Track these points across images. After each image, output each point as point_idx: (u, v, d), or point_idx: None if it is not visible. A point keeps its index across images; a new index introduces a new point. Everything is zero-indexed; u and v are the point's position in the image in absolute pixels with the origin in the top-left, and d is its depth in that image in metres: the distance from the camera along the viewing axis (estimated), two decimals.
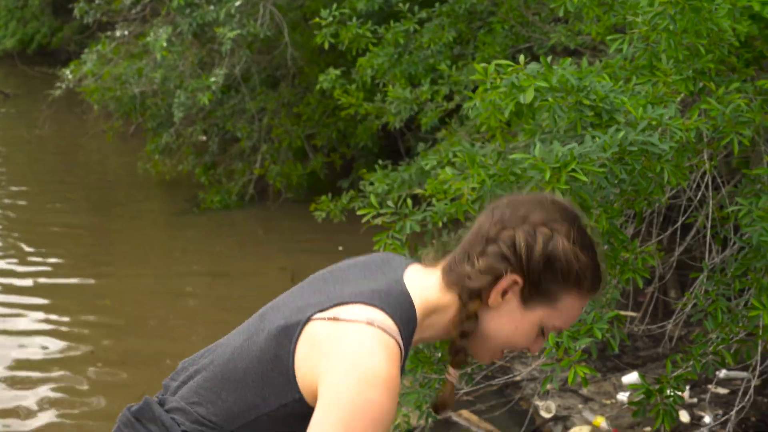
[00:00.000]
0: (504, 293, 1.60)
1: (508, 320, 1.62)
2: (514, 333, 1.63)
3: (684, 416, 4.72)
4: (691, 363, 3.10)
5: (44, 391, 5.32)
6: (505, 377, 4.73)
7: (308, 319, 1.57)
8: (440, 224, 3.08)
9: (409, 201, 3.15)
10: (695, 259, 5.56)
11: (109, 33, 9.12)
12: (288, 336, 1.58)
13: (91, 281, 7.24)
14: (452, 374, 1.73)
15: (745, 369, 4.91)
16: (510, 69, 2.74)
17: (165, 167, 9.41)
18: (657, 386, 3.01)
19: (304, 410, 1.57)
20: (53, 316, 6.49)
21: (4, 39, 17.95)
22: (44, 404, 5.21)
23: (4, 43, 17.94)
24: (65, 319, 6.48)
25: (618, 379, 5.10)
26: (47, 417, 5.09)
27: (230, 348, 1.68)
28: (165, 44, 7.18)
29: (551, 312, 1.61)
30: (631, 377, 5.04)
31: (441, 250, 1.73)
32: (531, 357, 5.26)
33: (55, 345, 6.00)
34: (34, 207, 9.25)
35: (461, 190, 2.73)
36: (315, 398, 1.54)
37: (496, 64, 2.78)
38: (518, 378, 5.08)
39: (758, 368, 3.43)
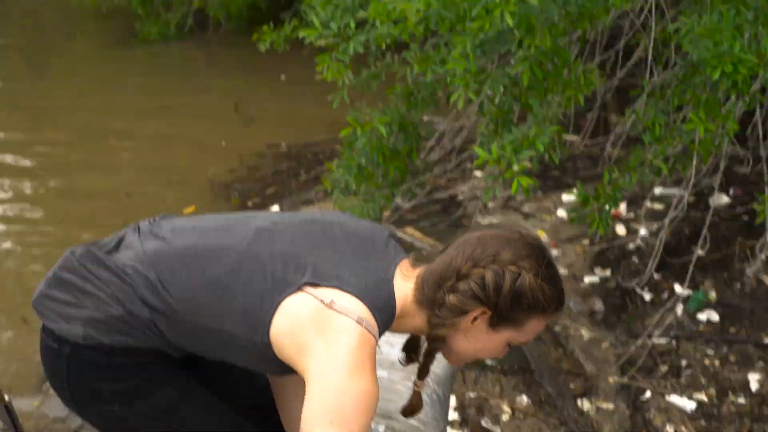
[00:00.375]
0: (473, 320, 1.74)
1: (475, 340, 1.77)
2: (482, 350, 1.80)
3: (621, 230, 4.98)
4: (628, 174, 3.26)
5: None
6: (447, 192, 4.88)
7: (300, 288, 1.69)
8: (383, 46, 3.12)
9: (352, 23, 3.17)
10: (637, 85, 5.70)
11: None
12: (278, 290, 1.69)
13: (28, 120, 7.15)
14: (419, 385, 1.90)
15: (679, 184, 5.15)
16: None
17: None
18: (594, 195, 3.18)
19: (266, 354, 1.71)
20: None
21: None
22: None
23: None
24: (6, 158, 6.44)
25: (558, 197, 5.31)
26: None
27: (216, 246, 1.77)
28: None
29: (517, 333, 1.77)
30: (571, 195, 5.27)
31: (420, 258, 1.84)
32: (472, 176, 5.44)
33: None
34: None
35: (406, 13, 2.77)
36: (283, 356, 1.68)
37: None
38: (461, 197, 5.25)
39: (691, 182, 3.61)
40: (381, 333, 1.72)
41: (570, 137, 5.66)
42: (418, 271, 1.79)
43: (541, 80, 3.01)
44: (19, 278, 4.78)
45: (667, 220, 3.82)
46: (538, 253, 1.74)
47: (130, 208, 5.43)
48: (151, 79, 7.95)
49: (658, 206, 5.19)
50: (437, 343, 1.80)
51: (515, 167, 2.83)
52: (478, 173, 5.49)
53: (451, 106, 4.45)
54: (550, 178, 5.59)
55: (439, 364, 2.63)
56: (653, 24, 3.51)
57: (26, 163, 6.27)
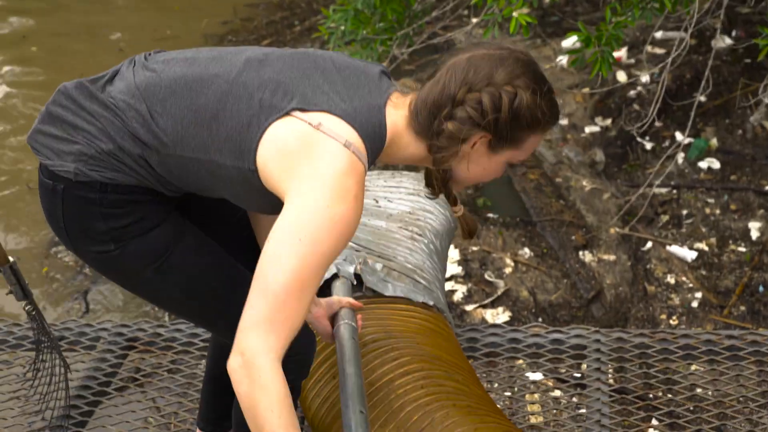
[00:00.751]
0: (473, 145, 1.68)
1: (476, 165, 1.72)
2: (483, 174, 1.75)
3: (621, 76, 4.83)
4: (630, 11, 3.10)
5: None
6: (444, 39, 4.71)
7: (287, 113, 1.62)
8: None
9: None
10: None
11: None
12: (265, 115, 1.63)
13: None
14: (457, 210, 1.88)
15: (680, 28, 4.97)
16: None
17: None
18: (596, 35, 3.03)
19: (253, 184, 1.65)
20: None
21: None
22: None
23: None
24: None
25: (557, 44, 5.14)
26: None
27: (206, 77, 1.69)
28: None
29: (517, 152, 1.71)
30: (571, 41, 5.09)
31: (410, 86, 1.75)
32: (471, 22, 5.26)
33: None
34: None
35: None
36: (269, 184, 1.63)
37: None
38: (459, 45, 5.09)
39: (694, 20, 3.45)
40: (371, 161, 1.67)
41: None
42: (410, 98, 1.72)
43: None
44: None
45: (669, 60, 3.67)
46: (530, 69, 1.67)
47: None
48: None
49: (659, 50, 5.02)
50: (447, 172, 1.77)
51: (514, 3, 2.68)
52: (474, 19, 5.30)
53: None
54: (549, 25, 5.40)
55: (437, 219, 2.61)
56: None
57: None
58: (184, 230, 1.81)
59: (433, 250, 2.60)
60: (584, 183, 4.14)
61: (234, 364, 1.55)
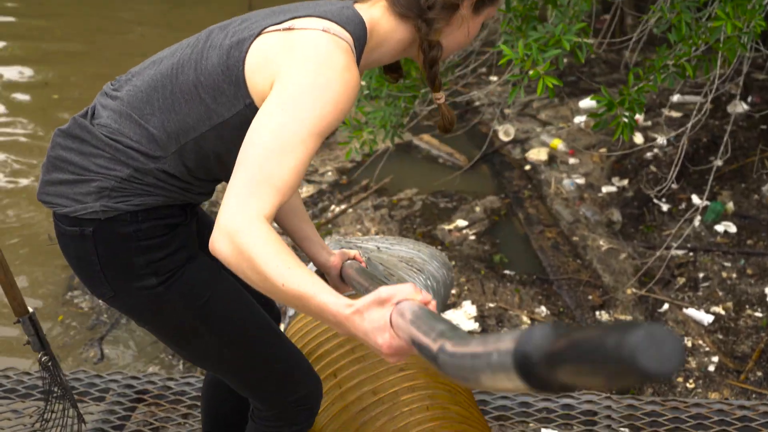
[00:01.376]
0: (464, 9, 1.67)
1: (461, 31, 1.70)
2: (466, 38, 1.73)
3: (638, 138, 4.86)
4: (652, 76, 3.13)
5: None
6: (463, 97, 4.76)
7: (260, 32, 1.58)
8: None
9: None
10: None
11: None
12: (239, 48, 1.58)
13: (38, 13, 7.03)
14: (439, 96, 1.80)
15: (699, 93, 5.01)
16: None
17: None
18: (618, 99, 3.06)
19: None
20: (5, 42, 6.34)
21: None
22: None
23: None
24: (15, 45, 6.32)
25: (575, 104, 5.18)
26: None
27: (177, 60, 1.67)
28: None
29: (492, 8, 1.72)
30: (588, 101, 5.14)
31: None
32: (490, 83, 5.30)
33: (10, 73, 5.89)
34: None
35: None
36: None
37: None
38: (477, 104, 5.13)
39: (714, 86, 3.48)
40: (357, 46, 1.61)
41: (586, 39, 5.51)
42: None
43: None
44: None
45: (689, 126, 3.70)
46: None
47: None
48: None
49: (675, 114, 5.06)
50: (436, 49, 1.70)
51: (540, 67, 2.71)
52: (493, 78, 5.35)
53: None
54: (566, 84, 5.45)
55: (437, 270, 2.60)
56: None
57: (31, 69, 6.13)
58: (221, 268, 1.73)
59: (430, 286, 2.60)
60: (601, 243, 4.15)
61: (217, 241, 1.37)
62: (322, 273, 2.14)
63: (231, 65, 1.58)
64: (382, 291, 1.24)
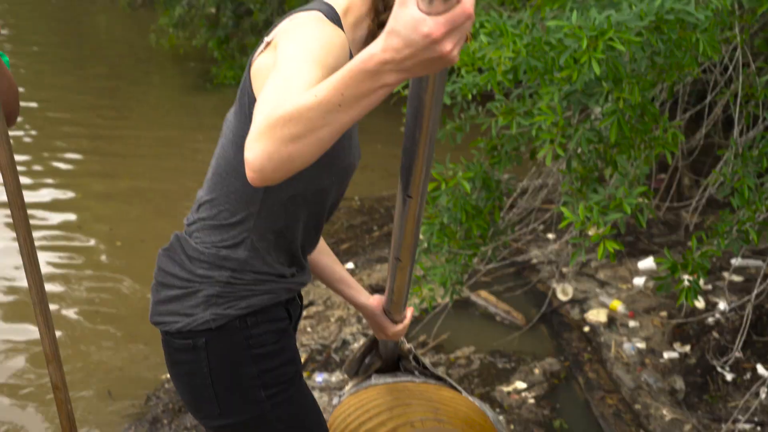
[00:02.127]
0: None
1: None
2: None
3: (700, 303, 4.76)
4: (715, 241, 3.09)
5: (57, 258, 5.35)
6: (521, 257, 4.74)
7: (250, 63, 1.62)
8: (469, 96, 3.03)
9: None
10: (712, 146, 5.53)
11: None
12: (243, 89, 1.64)
13: (103, 158, 7.22)
14: None
15: (761, 255, 4.93)
16: None
17: (178, 40, 9.31)
18: (681, 262, 3.01)
19: None
20: (63, 191, 6.49)
21: None
22: (60, 274, 5.25)
23: None
24: (77, 195, 6.47)
25: (634, 265, 5.12)
26: (59, 287, 5.13)
27: (216, 154, 1.75)
28: None
29: None
30: (647, 262, 5.07)
31: None
32: (547, 239, 5.28)
33: (70, 219, 6.01)
34: (42, 83, 9.14)
35: (498, 60, 2.68)
36: None
37: None
38: (535, 261, 5.10)
39: None
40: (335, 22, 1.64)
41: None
42: None
43: (629, 136, 2.87)
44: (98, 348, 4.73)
45: (753, 295, 3.62)
46: None
47: None
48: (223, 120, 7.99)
49: (736, 278, 4.97)
50: (387, 13, 1.69)
51: (602, 230, 2.69)
52: (550, 236, 5.33)
53: (531, 164, 4.33)
54: (624, 244, 5.40)
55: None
56: (740, 78, 3.36)
57: (92, 214, 6.26)
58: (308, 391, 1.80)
59: None
60: (664, 412, 4.00)
61: (250, 149, 1.23)
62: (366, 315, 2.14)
63: (244, 104, 1.63)
64: None
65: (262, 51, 1.61)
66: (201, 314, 1.69)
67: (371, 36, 1.69)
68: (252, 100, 1.62)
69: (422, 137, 1.35)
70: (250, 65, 1.63)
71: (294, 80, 1.33)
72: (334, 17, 1.64)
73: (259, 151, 1.21)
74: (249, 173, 1.24)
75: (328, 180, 1.72)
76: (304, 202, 1.73)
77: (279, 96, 1.28)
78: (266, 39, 1.62)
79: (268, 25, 8.80)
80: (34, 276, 2.18)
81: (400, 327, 2.12)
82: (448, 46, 1.07)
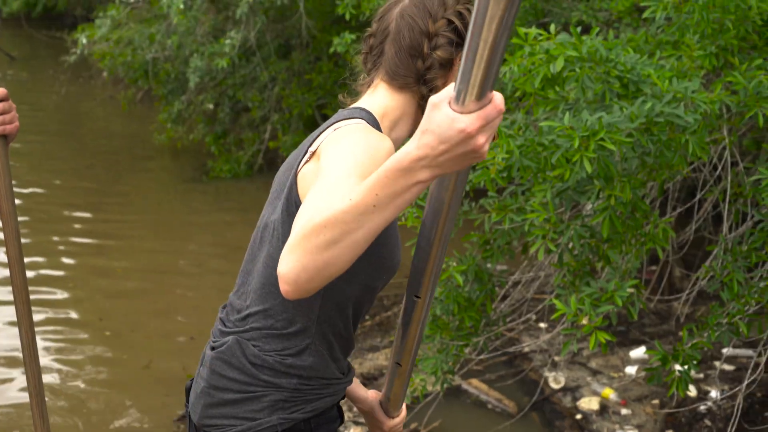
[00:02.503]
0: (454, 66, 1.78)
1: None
2: None
3: (692, 391, 4.79)
4: (706, 333, 3.15)
5: (47, 361, 5.36)
6: (514, 348, 4.78)
7: (296, 174, 1.68)
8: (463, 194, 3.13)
9: None
10: (702, 239, 5.63)
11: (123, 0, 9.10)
12: (288, 198, 1.68)
13: (99, 248, 7.26)
14: None
15: (751, 346, 4.98)
16: (541, 38, 2.78)
17: (176, 134, 9.44)
18: (672, 353, 3.07)
19: None
20: (60, 284, 6.51)
21: (11, 1, 17.83)
22: (51, 369, 5.26)
23: (10, 5, 17.84)
24: (70, 285, 6.50)
25: (625, 354, 5.16)
26: (53, 379, 5.14)
27: (264, 263, 1.75)
28: (182, 6, 7.16)
29: None
30: (639, 352, 5.11)
31: (351, 91, 1.88)
32: (539, 328, 5.33)
33: (63, 312, 6.03)
34: (42, 179, 9.24)
35: (493, 160, 2.77)
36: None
37: (526, 32, 2.83)
38: (527, 350, 5.13)
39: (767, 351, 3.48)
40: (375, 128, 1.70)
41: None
42: (366, 85, 1.83)
43: (621, 232, 2.95)
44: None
45: (744, 384, 3.67)
46: None
47: (194, 353, 5.39)
48: (220, 217, 8.06)
49: (727, 367, 5.00)
50: None
51: (594, 321, 2.75)
52: (542, 325, 5.38)
53: (523, 258, 4.40)
54: (616, 334, 5.44)
55: None
56: (729, 175, 3.46)
57: (85, 305, 6.28)
58: None
59: None
60: None
61: (283, 264, 1.28)
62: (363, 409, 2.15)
63: (291, 211, 1.66)
64: (432, 99, 1.17)
65: (307, 161, 1.65)
66: (267, 418, 1.71)
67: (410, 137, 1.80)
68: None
69: (437, 238, 1.42)
70: (295, 174, 1.67)
71: (335, 192, 1.36)
72: (374, 123, 1.72)
73: (293, 262, 1.25)
74: (283, 286, 1.27)
75: (381, 280, 1.76)
76: (358, 302, 1.77)
77: (317, 206, 1.33)
78: (310, 149, 1.66)
79: (265, 122, 8.94)
80: (33, 370, 2.21)
81: (397, 420, 2.16)
82: (481, 140, 1.15)
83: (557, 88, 2.93)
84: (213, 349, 1.80)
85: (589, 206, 3.37)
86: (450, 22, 1.74)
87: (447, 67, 1.75)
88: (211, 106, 9.31)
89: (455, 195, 1.35)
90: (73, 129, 11.46)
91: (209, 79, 8.59)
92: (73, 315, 5.98)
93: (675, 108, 2.76)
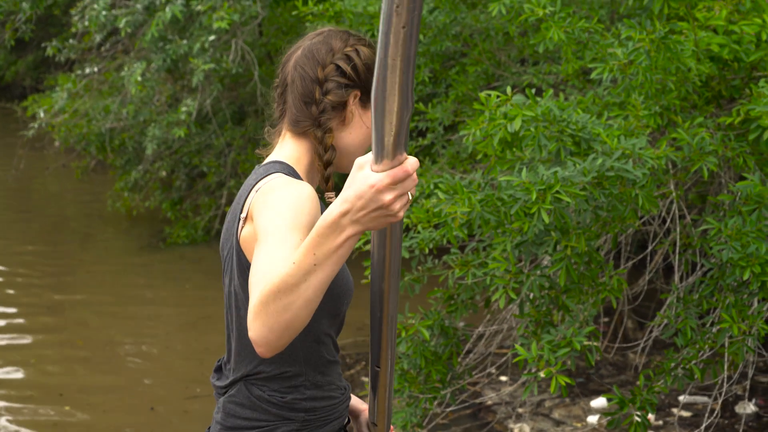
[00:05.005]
0: (352, 106, 1.89)
1: (358, 128, 1.91)
2: (366, 134, 1.92)
3: None
4: (662, 379, 3.29)
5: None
6: (480, 399, 4.88)
7: (237, 240, 1.80)
8: (426, 250, 3.26)
9: None
10: (654, 291, 5.81)
11: (79, 72, 9.18)
12: (240, 266, 1.80)
13: (54, 318, 7.22)
14: (330, 195, 1.96)
15: (706, 391, 5.13)
16: (499, 100, 2.95)
17: (133, 202, 9.47)
18: (630, 398, 3.20)
19: None
20: (13, 353, 6.46)
21: None
22: None
23: None
24: (26, 355, 6.45)
25: (587, 404, 5.28)
26: None
27: (238, 331, 1.88)
28: (139, 78, 7.28)
29: None
30: (600, 401, 5.24)
31: (264, 142, 2.01)
32: (502, 381, 5.44)
33: (19, 383, 5.99)
34: None
35: (453, 214, 2.91)
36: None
37: (487, 95, 3.00)
38: (490, 402, 5.24)
39: (724, 389, 3.63)
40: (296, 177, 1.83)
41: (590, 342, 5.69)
42: (275, 135, 1.95)
43: (577, 282, 3.10)
44: None
45: (702, 429, 3.81)
46: (350, 33, 1.93)
47: (155, 423, 5.39)
48: (178, 283, 8.08)
49: (684, 413, 5.14)
50: (330, 152, 1.89)
51: (553, 367, 2.89)
52: (503, 378, 5.49)
53: (486, 312, 4.53)
54: (577, 385, 5.57)
55: None
56: (677, 227, 3.63)
57: (46, 380, 6.23)
58: None
59: None
60: None
61: (253, 331, 1.46)
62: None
63: (246, 275, 1.77)
64: (357, 160, 1.35)
65: (242, 226, 1.79)
66: None
67: (324, 179, 1.94)
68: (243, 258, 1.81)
69: (385, 317, 1.59)
70: (237, 241, 1.81)
71: (276, 254, 1.54)
72: (292, 172, 1.85)
73: (259, 328, 1.44)
74: (258, 349, 1.46)
75: (344, 304, 1.91)
76: (332, 329, 1.91)
77: (266, 273, 1.50)
78: (242, 215, 1.80)
79: (221, 187, 9.02)
80: None
81: None
82: (389, 196, 1.32)
83: (515, 150, 3.10)
84: (223, 395, 1.92)
85: (547, 259, 3.52)
86: (338, 66, 1.87)
87: (339, 108, 1.88)
88: (164, 173, 9.37)
89: (392, 281, 1.53)
90: (25, 199, 11.43)
91: (165, 147, 8.69)
92: (29, 392, 5.92)
93: (624, 164, 2.94)
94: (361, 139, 1.92)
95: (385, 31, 1.21)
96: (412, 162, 1.33)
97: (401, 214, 1.36)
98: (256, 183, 1.80)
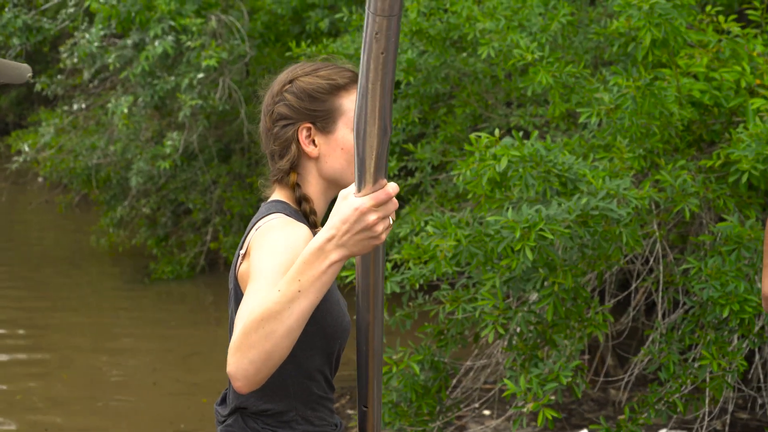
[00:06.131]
0: (312, 143, 1.88)
1: (332, 152, 1.89)
2: (345, 154, 1.89)
3: None
4: (645, 412, 3.38)
5: None
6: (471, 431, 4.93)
7: (236, 275, 1.85)
8: (417, 286, 3.35)
9: (388, 264, 3.41)
10: (636, 329, 5.92)
11: (65, 107, 9.25)
12: (236, 300, 1.84)
13: (38, 354, 7.21)
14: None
15: (687, 425, 5.21)
16: (488, 141, 3.07)
17: (118, 239, 9.50)
18: (615, 430, 3.29)
19: None
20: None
21: None
22: None
23: None
24: (6, 390, 6.44)
25: None
26: None
27: None
28: (126, 111, 7.35)
29: (345, 117, 1.88)
30: None
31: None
32: (485, 415, 5.50)
33: (1, 422, 5.96)
34: None
35: (441, 248, 3.01)
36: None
37: (477, 136, 3.12)
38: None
39: (705, 424, 3.71)
40: (295, 216, 1.86)
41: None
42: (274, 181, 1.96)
43: (564, 317, 3.20)
44: None
45: None
46: (289, 68, 1.94)
47: None
48: (163, 319, 8.08)
49: None
50: (299, 191, 1.90)
51: (541, 400, 2.97)
52: (486, 412, 5.55)
53: (474, 346, 4.61)
54: (559, 420, 5.64)
55: None
56: (660, 266, 3.74)
57: (31, 416, 6.21)
58: None
59: None
60: None
61: (231, 366, 1.49)
62: None
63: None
64: (341, 192, 1.44)
65: (240, 263, 1.84)
66: None
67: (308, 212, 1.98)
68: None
69: (371, 357, 1.68)
70: (235, 276, 1.86)
71: (263, 295, 1.55)
72: (292, 211, 1.88)
73: (238, 360, 1.47)
74: (235, 383, 1.48)
75: (338, 344, 1.93)
76: (325, 367, 1.95)
77: (250, 306, 1.53)
78: (241, 252, 1.83)
79: (207, 223, 9.09)
80: None
81: None
82: (372, 217, 1.40)
83: (503, 189, 3.21)
84: (222, 423, 1.98)
85: (535, 295, 3.62)
86: (276, 111, 1.89)
87: (293, 149, 1.88)
88: (147, 210, 9.40)
89: (377, 313, 1.62)
90: (8, 235, 11.43)
91: (151, 183, 8.75)
92: (13, 427, 5.91)
93: (609, 203, 3.05)
94: (342, 162, 1.89)
95: (365, 58, 1.30)
96: (392, 186, 1.42)
97: (384, 236, 1.44)
98: (258, 221, 1.86)
